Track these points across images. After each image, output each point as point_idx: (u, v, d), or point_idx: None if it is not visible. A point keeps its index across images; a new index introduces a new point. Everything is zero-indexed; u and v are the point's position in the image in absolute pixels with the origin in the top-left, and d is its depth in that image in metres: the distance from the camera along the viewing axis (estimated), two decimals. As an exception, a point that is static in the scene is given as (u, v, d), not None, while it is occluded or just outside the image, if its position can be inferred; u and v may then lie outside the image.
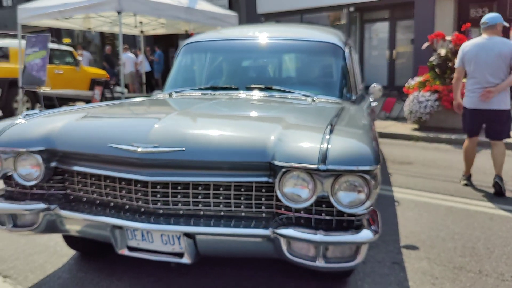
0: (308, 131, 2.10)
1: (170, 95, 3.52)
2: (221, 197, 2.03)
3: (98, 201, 2.21)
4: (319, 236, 1.80)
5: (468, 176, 4.70)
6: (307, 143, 1.90)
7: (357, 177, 1.82)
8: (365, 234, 1.85)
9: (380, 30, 13.26)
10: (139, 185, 2.06)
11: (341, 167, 1.78)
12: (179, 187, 2.03)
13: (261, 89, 3.31)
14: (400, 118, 9.02)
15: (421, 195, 4.28)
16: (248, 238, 1.97)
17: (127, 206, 2.13)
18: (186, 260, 2.04)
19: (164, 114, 2.30)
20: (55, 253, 2.95)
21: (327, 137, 1.91)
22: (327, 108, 2.88)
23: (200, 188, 2.03)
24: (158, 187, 2.04)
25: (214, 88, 3.44)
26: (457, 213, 3.79)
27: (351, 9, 12.82)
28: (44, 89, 8.71)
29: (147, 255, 2.11)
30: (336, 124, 2.13)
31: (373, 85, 3.52)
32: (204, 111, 2.60)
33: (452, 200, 4.16)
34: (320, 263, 1.87)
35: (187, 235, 1.99)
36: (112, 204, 2.17)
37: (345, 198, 1.84)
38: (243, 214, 2.04)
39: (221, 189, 2.02)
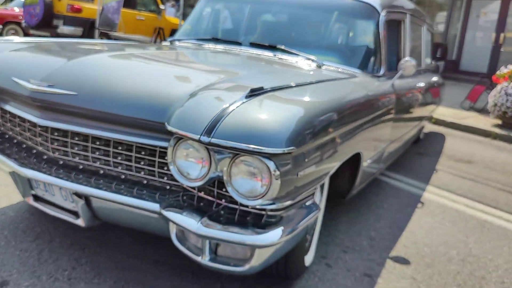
0: (223, 95, 1.63)
1: (171, 43, 3.23)
2: (120, 158, 1.70)
3: (15, 141, 2.02)
4: (197, 226, 1.40)
5: None
6: (207, 107, 1.48)
7: (257, 160, 1.37)
8: (264, 237, 1.42)
9: (489, 9, 11.55)
10: (39, 128, 1.81)
11: (228, 143, 1.35)
12: (77, 138, 1.74)
13: (265, 47, 2.87)
14: (485, 111, 7.81)
15: (457, 201, 3.56)
16: (142, 211, 1.64)
17: (34, 150, 1.90)
18: (80, 222, 1.78)
19: (82, 55, 1.99)
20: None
21: (238, 104, 1.47)
22: (318, 76, 2.37)
23: (98, 143, 1.72)
24: (56, 134, 1.77)
25: (216, 40, 3.07)
26: (489, 230, 3.06)
27: (459, -19, 11.27)
28: (117, 33, 8.92)
29: (50, 209, 1.88)
30: (275, 91, 1.67)
31: (406, 59, 2.87)
32: (132, 59, 2.21)
33: (493, 214, 3.39)
34: (203, 259, 1.48)
35: (77, 194, 1.71)
36: (24, 145, 1.96)
37: (242, 185, 1.42)
38: (145, 182, 1.70)
39: (120, 148, 1.69)
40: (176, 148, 1.48)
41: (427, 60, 5.36)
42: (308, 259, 2.16)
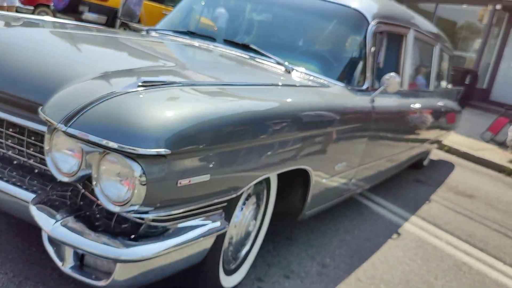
0: (108, 83, 1.40)
1: (147, 32, 3.08)
2: (10, 141, 1.53)
3: None
4: (52, 227, 1.21)
5: None
6: (81, 94, 1.28)
7: (122, 160, 1.17)
8: (130, 251, 1.21)
9: (529, 39, 10.99)
10: None
11: (85, 135, 1.15)
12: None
13: (238, 46, 2.68)
14: (504, 144, 7.34)
15: (440, 237, 3.24)
16: (18, 200, 1.45)
17: None
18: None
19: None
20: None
21: (117, 94, 1.27)
22: (273, 80, 2.15)
23: (-8, 123, 1.56)
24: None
25: (191, 34, 2.89)
26: (465, 274, 2.74)
27: (498, 6, 10.75)
28: (137, 25, 8.91)
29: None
30: (183, 86, 1.46)
31: (391, 74, 2.60)
32: (53, 38, 2.01)
33: (476, 256, 3.06)
34: (64, 266, 1.29)
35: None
36: None
37: (108, 187, 1.21)
38: (36, 170, 1.53)
39: (11, 130, 1.52)
40: (52, 137, 1.29)
41: (439, 83, 5.04)
42: (232, 280, 1.94)
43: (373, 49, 2.79)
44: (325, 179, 2.23)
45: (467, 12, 11.78)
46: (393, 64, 3.55)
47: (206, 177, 1.31)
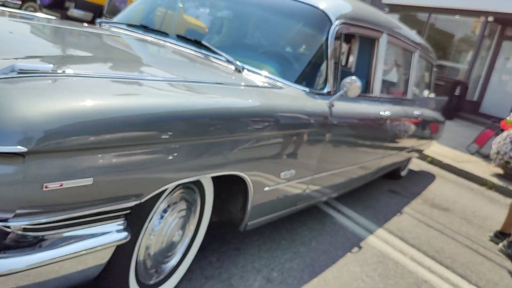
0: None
1: (99, 24, 2.91)
2: None
3: None
4: None
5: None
6: None
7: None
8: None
9: (520, 52, 10.90)
10: None
11: None
12: None
13: (190, 42, 2.52)
14: (489, 157, 7.19)
15: (404, 252, 3.07)
16: None
17: None
18: None
19: None
20: None
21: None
22: (212, 78, 1.99)
23: None
24: None
25: (145, 28, 2.73)
26: (424, 293, 2.58)
27: (490, 18, 10.65)
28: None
29: None
30: (70, 77, 1.29)
31: (352, 78, 2.44)
32: None
33: (440, 274, 2.89)
34: None
35: None
36: None
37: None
38: None
39: None
40: None
41: (420, 92, 4.90)
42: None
43: (336, 51, 2.63)
44: (268, 187, 2.06)
45: (461, 23, 11.69)
46: (364, 69, 3.40)
47: (87, 181, 1.14)
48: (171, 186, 1.47)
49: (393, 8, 12.83)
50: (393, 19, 3.85)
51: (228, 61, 2.31)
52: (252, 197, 1.97)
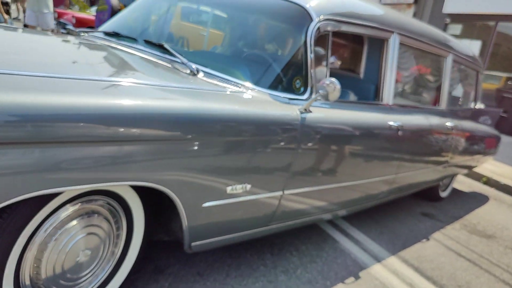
0: None
1: (78, 33, 2.84)
2: None
3: None
4: None
5: None
6: None
7: None
8: None
9: None
10: None
11: None
12: None
13: (156, 46, 2.35)
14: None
15: (414, 286, 2.59)
16: None
17: None
18: None
19: None
20: None
21: None
22: (154, 80, 1.78)
23: None
24: None
25: (117, 35, 2.61)
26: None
27: None
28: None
29: None
30: None
31: (331, 79, 2.09)
32: None
33: (454, 314, 2.38)
34: None
35: None
36: None
37: None
38: None
39: None
40: None
41: (458, 101, 4.34)
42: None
43: (317, 51, 2.31)
44: (208, 203, 1.78)
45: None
46: (372, 73, 3.02)
47: None
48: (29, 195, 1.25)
49: (455, 18, 11.97)
50: (413, 19, 3.42)
51: (183, 63, 2.09)
52: (185, 214, 1.70)
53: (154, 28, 2.71)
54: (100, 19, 10.51)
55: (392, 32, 2.90)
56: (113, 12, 10.08)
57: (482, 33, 11.45)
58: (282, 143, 2.02)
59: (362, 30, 2.67)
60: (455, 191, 5.02)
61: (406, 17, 3.31)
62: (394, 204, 3.94)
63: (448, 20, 12.03)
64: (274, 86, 2.15)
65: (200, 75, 2.06)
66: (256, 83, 2.12)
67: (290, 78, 2.23)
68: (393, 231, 3.36)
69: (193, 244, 1.85)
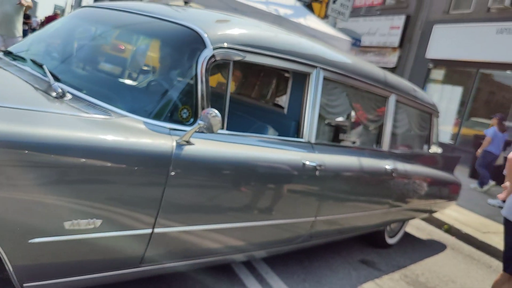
0: None
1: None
2: None
3: None
4: None
5: None
6: None
7: None
8: None
9: None
10: None
11: None
12: None
13: (38, 66, 2.21)
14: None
15: None
16: None
17: None
18: None
19: None
20: None
21: None
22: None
23: None
24: None
25: (21, 58, 2.47)
26: None
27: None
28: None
29: None
30: None
31: (214, 110, 1.93)
32: None
33: None
34: None
35: None
36: None
37: None
38: None
39: None
40: None
41: (405, 144, 4.19)
42: None
43: (206, 81, 2.14)
44: (39, 239, 1.57)
45: (514, 79, 10.58)
46: (295, 110, 2.88)
47: None
48: None
49: (437, 64, 12.04)
50: (350, 56, 3.31)
51: (50, 85, 1.94)
52: (2, 251, 1.49)
53: (55, 48, 2.58)
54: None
55: (315, 67, 2.78)
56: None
57: (465, 80, 11.48)
58: (146, 176, 1.84)
59: (276, 63, 2.54)
60: (410, 238, 4.78)
61: (339, 54, 3.21)
62: (333, 248, 3.71)
63: (431, 65, 12.11)
64: (152, 114, 1.99)
65: (68, 97, 1.90)
66: (131, 109, 1.96)
67: (176, 106, 2.07)
68: (319, 279, 3.12)
69: (25, 285, 1.63)
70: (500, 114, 8.25)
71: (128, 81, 2.20)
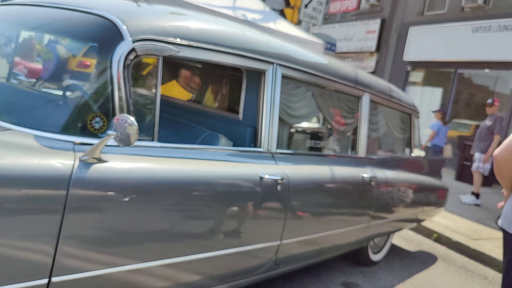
0: None
1: None
2: None
3: None
4: None
5: None
6: None
7: None
8: None
9: None
10: None
11: None
12: None
13: None
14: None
15: None
16: None
17: None
18: None
19: None
20: None
21: None
22: None
23: None
24: None
25: None
26: None
27: (525, 70, 9.30)
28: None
29: None
30: None
31: (129, 118, 1.49)
32: None
33: None
34: None
35: None
36: None
37: None
38: None
39: None
40: None
41: (393, 149, 3.80)
42: None
43: (128, 81, 1.72)
44: None
45: (494, 77, 10.37)
46: (252, 115, 2.45)
47: None
48: None
49: (416, 65, 11.81)
50: (310, 52, 2.90)
51: None
52: None
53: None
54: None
55: (271, 63, 2.36)
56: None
57: (444, 80, 11.26)
58: (35, 213, 1.37)
59: (222, 59, 2.11)
60: (397, 251, 4.36)
61: (300, 49, 2.80)
62: (311, 271, 3.26)
63: (409, 67, 11.88)
64: (49, 125, 1.53)
65: None
66: (19, 120, 1.50)
67: (83, 114, 1.62)
68: (293, 310, 2.66)
69: None
70: (442, 108, 8.26)
71: (18, 85, 1.75)
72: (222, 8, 6.54)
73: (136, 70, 1.81)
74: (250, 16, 6.91)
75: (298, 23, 10.55)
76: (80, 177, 1.44)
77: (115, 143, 1.54)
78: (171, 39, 1.85)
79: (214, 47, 2.02)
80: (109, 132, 1.48)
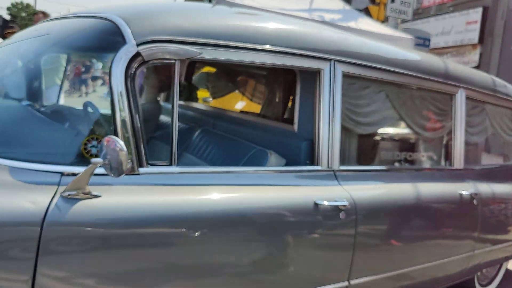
0: None
1: None
2: None
3: None
4: None
5: None
6: None
7: None
8: None
9: None
10: None
11: None
12: None
13: None
14: None
15: None
16: None
17: None
18: None
19: None
20: None
21: None
22: None
23: None
24: None
25: None
26: None
27: None
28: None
29: None
30: None
31: (119, 142, 1.15)
32: None
33: None
34: None
35: None
36: None
37: None
38: None
39: None
40: None
41: (494, 157, 3.08)
42: None
43: (134, 93, 1.40)
44: None
45: None
46: (308, 125, 2.02)
47: None
48: None
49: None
50: (384, 42, 2.37)
51: None
52: None
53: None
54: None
55: (328, 59, 1.91)
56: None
57: None
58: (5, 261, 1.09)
59: (261, 59, 1.72)
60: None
61: (365, 41, 2.29)
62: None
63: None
64: (31, 153, 1.26)
65: None
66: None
67: (77, 138, 1.33)
68: None
69: None
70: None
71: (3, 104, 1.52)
72: (298, 11, 6.16)
73: (148, 78, 1.49)
74: (328, 16, 6.45)
75: (385, 20, 9.78)
76: (55, 220, 1.13)
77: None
78: (190, 39, 1.50)
79: (246, 44, 1.63)
80: (94, 160, 1.16)
